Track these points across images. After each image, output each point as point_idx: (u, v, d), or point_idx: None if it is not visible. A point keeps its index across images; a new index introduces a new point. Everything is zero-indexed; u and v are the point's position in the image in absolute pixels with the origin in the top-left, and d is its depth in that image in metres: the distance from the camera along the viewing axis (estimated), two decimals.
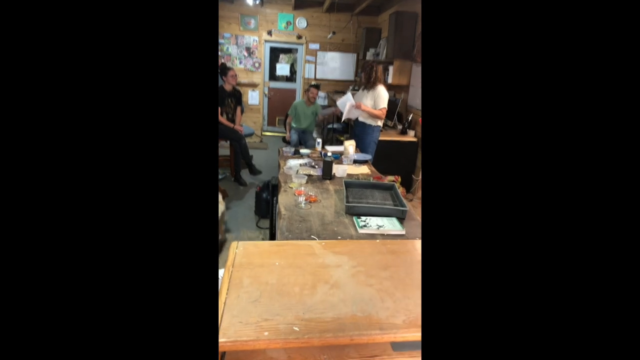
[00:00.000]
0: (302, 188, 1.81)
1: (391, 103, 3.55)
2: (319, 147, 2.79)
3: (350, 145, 2.65)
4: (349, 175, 2.18)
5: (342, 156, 2.54)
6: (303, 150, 2.63)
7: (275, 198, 2.51)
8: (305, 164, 2.27)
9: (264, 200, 2.88)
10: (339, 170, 2.16)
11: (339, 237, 1.33)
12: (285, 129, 3.97)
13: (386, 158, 3.11)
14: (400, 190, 2.84)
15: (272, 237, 2.51)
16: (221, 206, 2.29)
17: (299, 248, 1.11)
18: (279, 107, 5.30)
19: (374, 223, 1.40)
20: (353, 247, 1.14)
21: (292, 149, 2.68)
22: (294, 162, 2.25)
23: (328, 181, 2.01)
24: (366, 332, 0.73)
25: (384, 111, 2.89)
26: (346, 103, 2.90)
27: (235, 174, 3.37)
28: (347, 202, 1.65)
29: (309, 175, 2.06)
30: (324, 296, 0.88)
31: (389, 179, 3.55)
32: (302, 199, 1.64)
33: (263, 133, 5.53)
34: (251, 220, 2.84)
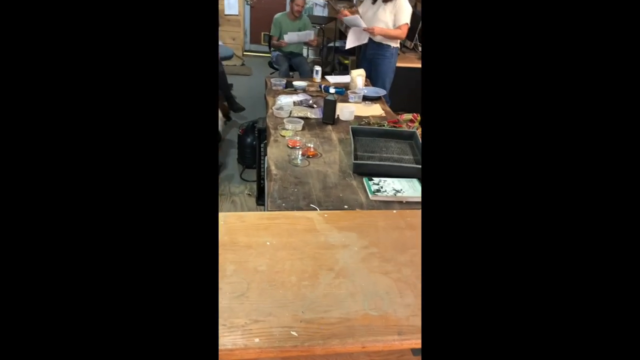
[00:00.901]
0: (298, 137, 1.81)
1: (412, 16, 3.39)
2: (317, 78, 2.69)
3: (358, 76, 2.52)
4: (357, 118, 2.12)
5: (349, 91, 2.45)
6: (297, 83, 2.55)
7: (262, 146, 2.47)
8: (301, 102, 2.28)
9: (249, 146, 2.80)
10: (343, 111, 2.11)
11: (346, 207, 1.33)
12: (271, 52, 3.83)
13: (402, 90, 2.99)
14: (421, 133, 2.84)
15: (261, 192, 2.52)
16: (220, 122, 2.48)
17: (296, 222, 1.10)
18: (265, 18, 5.01)
19: (389, 187, 1.38)
20: (363, 220, 1.13)
21: (283, 81, 2.58)
22: (285, 100, 2.26)
23: (330, 127, 1.99)
24: (382, 337, 0.72)
25: (406, 29, 2.67)
26: (357, 22, 2.67)
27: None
28: (356, 157, 1.62)
29: (306, 119, 2.02)
30: (327, 288, 0.87)
31: (404, 118, 3.45)
32: (297, 152, 1.66)
33: (244, 53, 5.26)
34: (234, 170, 2.80)
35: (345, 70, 4.04)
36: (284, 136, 1.84)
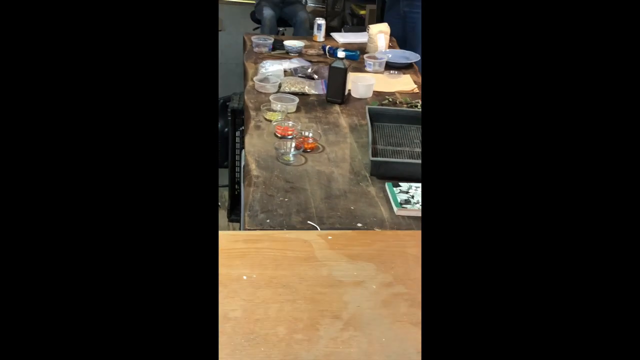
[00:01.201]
0: (290, 123, 1.83)
1: None
2: (319, 35, 2.73)
3: (380, 34, 2.55)
4: (376, 95, 2.15)
5: (365, 55, 2.49)
6: (290, 43, 2.58)
7: (238, 134, 2.48)
8: (296, 71, 2.31)
9: (221, 133, 2.81)
10: (358, 85, 2.13)
11: (359, 225, 1.34)
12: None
13: None
14: None
15: (234, 203, 2.54)
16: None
17: (286, 246, 1.12)
18: None
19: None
20: (385, 244, 1.14)
21: (269, 40, 2.62)
22: (273, 67, 2.29)
23: (338, 107, 2.04)
24: None
25: None
26: None
27: None
28: (375, 153, 1.63)
29: (302, 95, 2.08)
30: (331, 345, 0.88)
31: None
32: (290, 145, 1.68)
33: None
34: None
35: (360, 25, 4.06)
36: (269, 120, 1.86)
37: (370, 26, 2.61)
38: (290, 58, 2.43)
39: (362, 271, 1.06)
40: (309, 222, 1.32)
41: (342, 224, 1.32)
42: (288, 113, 1.91)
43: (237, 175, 2.51)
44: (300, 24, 3.66)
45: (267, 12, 3.66)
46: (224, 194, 2.68)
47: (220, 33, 4.67)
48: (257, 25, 3.82)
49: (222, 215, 2.57)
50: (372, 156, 1.58)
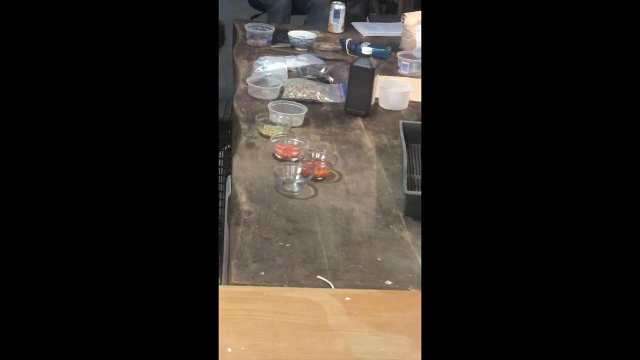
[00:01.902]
0: (295, 140, 1.83)
1: None
2: (337, 25, 2.79)
3: (418, 25, 2.57)
4: (413, 106, 2.17)
5: (399, 53, 2.54)
6: (297, 34, 2.63)
7: (221, 155, 2.48)
8: (304, 72, 2.32)
9: None
10: (389, 92, 2.16)
11: (389, 283, 1.33)
12: None
13: None
14: None
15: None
16: None
17: (288, 309, 1.13)
18: None
19: None
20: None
21: (269, 29, 2.66)
22: (273, 66, 2.32)
23: (361, 121, 2.04)
24: None
25: None
26: None
27: None
28: (411, 185, 1.64)
29: (312, 103, 2.11)
30: None
31: None
32: (294, 170, 1.66)
33: None
34: None
35: (392, 13, 4.09)
36: (267, 137, 1.86)
37: (406, 14, 2.64)
38: (297, 54, 2.45)
39: (392, 346, 1.05)
40: (319, 276, 1.31)
41: (365, 281, 1.31)
42: (292, 127, 1.92)
43: (221, 209, 2.50)
44: (317, 9, 3.60)
45: None
46: None
47: None
48: (257, 12, 3.84)
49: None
50: (408, 189, 1.57)
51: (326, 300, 1.15)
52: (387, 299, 1.19)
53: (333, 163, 1.73)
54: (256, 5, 3.83)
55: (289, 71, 2.29)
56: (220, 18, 3.56)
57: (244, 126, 1.93)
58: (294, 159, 1.73)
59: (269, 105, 1.96)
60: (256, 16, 3.81)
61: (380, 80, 2.13)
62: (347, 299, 1.16)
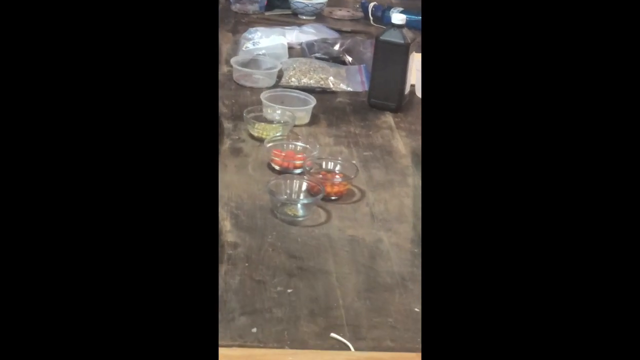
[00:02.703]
0: (299, 144, 1.73)
1: None
2: None
3: None
4: None
5: None
6: None
7: None
8: (311, 48, 2.25)
9: None
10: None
11: None
12: None
13: None
14: None
15: None
16: None
17: None
18: None
19: None
20: None
21: None
22: (267, 40, 2.23)
23: (391, 117, 1.98)
24: None
25: None
26: None
27: None
28: None
29: (322, 93, 2.01)
30: None
31: None
32: (297, 186, 1.58)
33: None
34: None
35: None
36: (259, 140, 1.75)
37: None
38: (300, 24, 2.39)
39: None
40: (333, 334, 1.19)
41: (397, 340, 1.20)
42: (295, 126, 1.79)
43: None
44: None
45: None
46: None
47: None
48: None
49: None
50: None
51: None
52: None
53: (352, 176, 1.60)
54: None
55: (290, 48, 2.20)
56: None
57: (227, 125, 1.83)
58: (298, 171, 1.60)
59: (262, 96, 1.84)
60: None
61: (417, 60, 1.98)
62: None
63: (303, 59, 2.11)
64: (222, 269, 1.32)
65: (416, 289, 1.31)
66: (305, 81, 2.00)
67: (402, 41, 1.87)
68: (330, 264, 1.37)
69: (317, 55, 2.15)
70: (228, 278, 1.31)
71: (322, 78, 2.03)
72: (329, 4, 2.42)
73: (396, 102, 1.92)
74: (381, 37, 1.90)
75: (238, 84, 2.01)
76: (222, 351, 1.07)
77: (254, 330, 1.19)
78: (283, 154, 1.64)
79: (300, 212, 1.49)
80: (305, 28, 2.29)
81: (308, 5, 2.39)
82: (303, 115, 1.83)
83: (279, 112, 1.79)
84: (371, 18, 2.38)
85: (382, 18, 2.25)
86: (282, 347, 1.17)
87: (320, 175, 1.57)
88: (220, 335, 1.13)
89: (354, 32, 2.28)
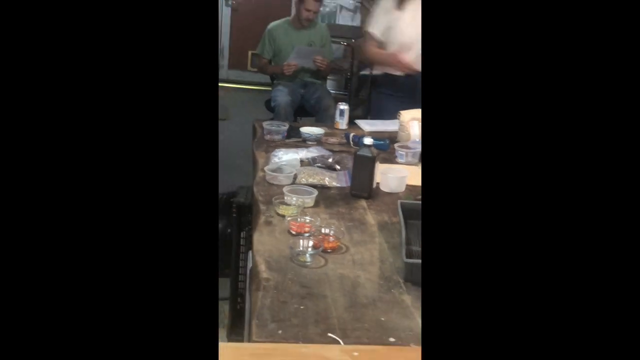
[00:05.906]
0: (307, 218, 1.83)
1: None
2: (342, 122, 2.83)
3: (413, 121, 2.62)
4: (410, 189, 2.17)
5: (396, 145, 2.56)
6: (308, 130, 2.67)
7: (243, 235, 2.49)
8: (314, 161, 2.35)
9: (222, 234, 2.83)
10: (388, 177, 2.15)
11: (392, 340, 1.32)
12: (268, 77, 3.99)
13: None
14: None
15: (237, 318, 2.48)
16: None
17: None
18: (255, 28, 5.32)
19: None
20: None
21: (284, 126, 2.70)
22: (287, 157, 2.33)
23: (364, 203, 2.06)
24: None
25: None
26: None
27: None
28: (409, 254, 1.62)
29: (322, 188, 2.12)
30: None
31: None
32: (306, 243, 1.67)
33: (222, 84, 5.59)
34: None
35: (391, 114, 4.14)
36: (282, 216, 1.88)
37: (402, 112, 2.68)
38: (307, 146, 2.53)
39: None
40: (329, 334, 1.29)
41: (371, 338, 1.30)
42: (305, 207, 1.93)
43: (240, 285, 2.48)
44: (324, 110, 3.71)
45: (283, 99, 3.71)
46: (224, 309, 2.63)
47: (224, 123, 4.80)
48: (272, 115, 3.91)
49: (222, 334, 2.52)
50: (406, 258, 1.55)
51: (337, 356, 1.14)
52: (391, 354, 1.17)
53: (341, 237, 1.74)
54: (270, 108, 3.96)
55: (302, 161, 2.32)
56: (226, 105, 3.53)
57: (262, 207, 1.95)
58: (307, 234, 1.73)
59: (284, 189, 1.98)
60: (271, 120, 3.90)
61: (380, 167, 2.16)
62: (355, 354, 1.15)
63: (309, 167, 2.24)
64: (260, 294, 1.43)
65: (382, 306, 1.42)
66: (310, 180, 2.14)
67: (370, 155, 2.02)
68: (327, 291, 1.49)
69: (318, 165, 2.29)
70: (263, 300, 1.41)
71: (321, 179, 2.16)
72: (325, 135, 2.58)
73: (367, 193, 2.05)
74: (358, 153, 2.04)
75: (269, 182, 2.14)
76: (259, 346, 1.22)
77: (280, 332, 1.29)
78: (297, 224, 1.77)
79: (308, 259, 1.61)
80: (310, 149, 2.45)
81: (312, 135, 2.58)
82: (309, 201, 1.96)
83: (294, 199, 1.93)
84: (351, 143, 2.54)
85: (358, 142, 2.34)
86: (297, 342, 1.25)
87: (321, 237, 1.70)
88: (258, 335, 1.26)
89: (340, 151, 2.47)
